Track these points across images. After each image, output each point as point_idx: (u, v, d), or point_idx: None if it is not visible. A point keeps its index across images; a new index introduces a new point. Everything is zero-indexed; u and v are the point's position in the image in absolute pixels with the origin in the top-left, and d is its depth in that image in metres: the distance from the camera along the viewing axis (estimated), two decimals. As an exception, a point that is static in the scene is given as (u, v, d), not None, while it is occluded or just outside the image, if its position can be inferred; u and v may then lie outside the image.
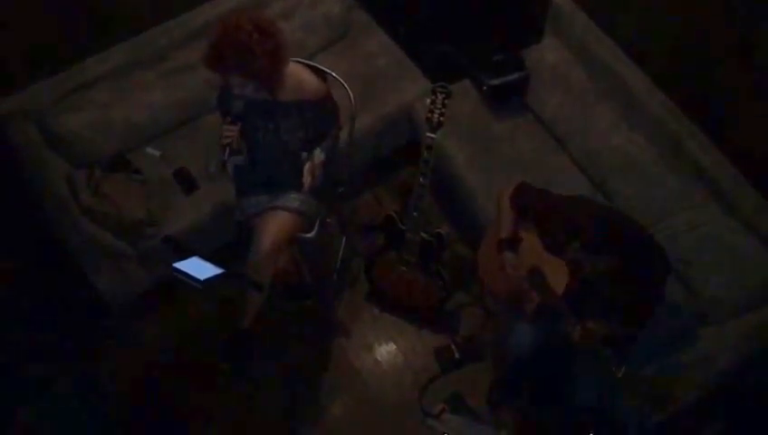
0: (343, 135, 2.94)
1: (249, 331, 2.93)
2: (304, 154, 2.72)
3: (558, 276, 2.44)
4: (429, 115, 2.59)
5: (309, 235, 2.90)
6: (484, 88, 3.33)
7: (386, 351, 3.22)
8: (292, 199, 2.78)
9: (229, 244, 3.12)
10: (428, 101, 2.61)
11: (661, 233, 2.77)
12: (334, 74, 2.83)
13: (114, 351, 3.18)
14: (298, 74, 2.64)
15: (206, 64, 2.44)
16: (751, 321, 2.70)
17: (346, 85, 2.85)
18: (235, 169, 2.79)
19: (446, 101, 2.58)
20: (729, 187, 2.79)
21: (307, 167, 2.70)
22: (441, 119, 2.58)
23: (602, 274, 2.30)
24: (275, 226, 2.75)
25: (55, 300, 3.20)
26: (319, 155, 2.71)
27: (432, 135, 2.60)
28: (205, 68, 2.46)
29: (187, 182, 3.13)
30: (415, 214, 2.80)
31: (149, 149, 3.21)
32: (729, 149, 2.83)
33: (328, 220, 3.09)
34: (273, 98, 2.60)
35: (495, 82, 3.29)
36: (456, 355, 3.13)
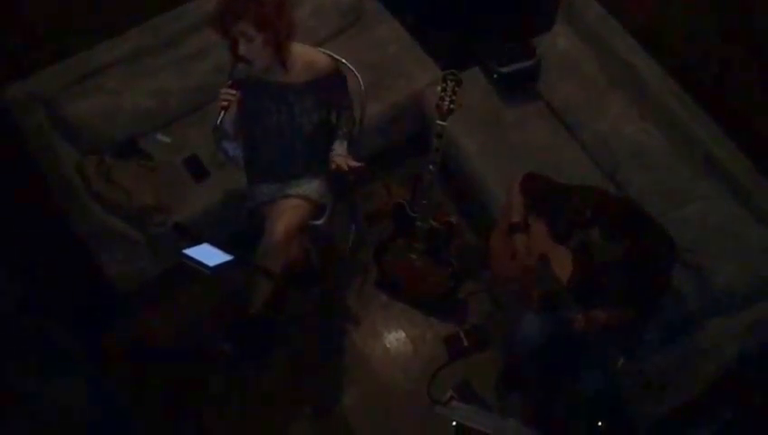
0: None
1: (256, 317, 2.94)
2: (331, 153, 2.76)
3: (563, 265, 2.44)
4: (439, 103, 2.58)
5: (319, 222, 2.91)
6: (495, 75, 3.32)
7: (395, 338, 3.23)
8: (305, 187, 2.79)
9: (239, 231, 3.13)
10: (439, 88, 2.59)
11: (672, 222, 2.75)
12: (344, 61, 2.82)
13: (121, 335, 3.20)
14: (307, 54, 2.64)
15: (212, 20, 2.43)
16: (760, 311, 2.69)
17: (356, 72, 2.85)
18: (245, 157, 2.80)
19: (456, 89, 2.57)
20: (740, 176, 2.76)
21: (340, 159, 2.72)
22: (451, 106, 2.57)
23: (618, 260, 2.30)
24: (288, 213, 2.75)
25: (64, 285, 3.22)
26: (341, 145, 2.76)
27: (442, 123, 2.59)
28: (213, 29, 2.44)
29: (197, 169, 3.13)
30: (424, 202, 2.80)
31: (160, 136, 3.22)
32: (741, 139, 2.81)
33: (338, 207, 3.09)
34: (283, 68, 2.58)
35: (506, 69, 3.28)
36: (465, 343, 3.14)
